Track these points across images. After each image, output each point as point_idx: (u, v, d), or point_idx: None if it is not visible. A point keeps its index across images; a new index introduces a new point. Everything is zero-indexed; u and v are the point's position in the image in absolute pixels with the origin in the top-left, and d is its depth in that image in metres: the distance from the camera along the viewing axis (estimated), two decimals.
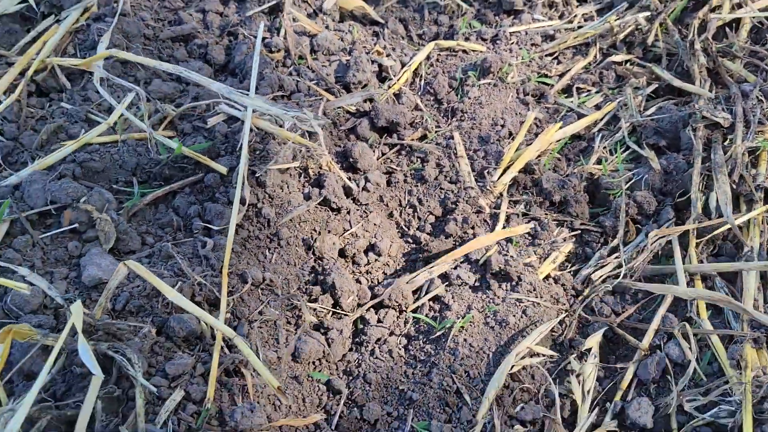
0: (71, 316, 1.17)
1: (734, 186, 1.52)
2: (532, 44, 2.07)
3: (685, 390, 1.29)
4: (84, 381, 1.19)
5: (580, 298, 1.48)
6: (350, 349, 1.44)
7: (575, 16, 2.13)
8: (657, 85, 1.89)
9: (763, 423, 1.19)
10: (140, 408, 1.13)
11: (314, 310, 1.45)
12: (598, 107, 1.87)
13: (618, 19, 2.05)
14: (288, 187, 1.58)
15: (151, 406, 1.17)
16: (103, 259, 1.40)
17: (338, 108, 1.83)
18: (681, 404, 1.26)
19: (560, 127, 1.75)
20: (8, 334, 1.14)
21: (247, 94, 1.62)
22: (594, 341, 1.38)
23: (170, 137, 1.65)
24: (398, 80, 1.90)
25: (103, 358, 1.22)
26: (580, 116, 1.83)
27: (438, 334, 1.41)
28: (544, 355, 1.35)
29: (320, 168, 1.63)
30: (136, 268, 1.30)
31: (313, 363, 1.40)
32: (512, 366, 1.30)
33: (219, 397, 1.24)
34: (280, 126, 1.59)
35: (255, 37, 1.88)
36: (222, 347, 1.29)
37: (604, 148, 1.74)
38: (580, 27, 2.10)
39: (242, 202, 1.50)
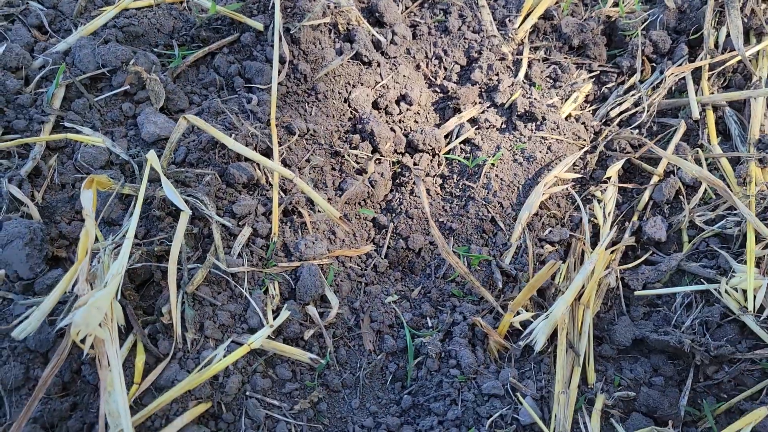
0: (147, 164, 1.29)
1: (746, 20, 1.60)
2: None
3: (696, 208, 1.44)
4: (162, 222, 1.34)
5: (600, 134, 1.60)
6: (391, 191, 1.58)
7: None
8: None
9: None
10: (218, 241, 1.28)
11: (356, 156, 1.57)
12: None
13: None
14: (320, 43, 1.65)
15: (225, 242, 1.32)
16: (157, 117, 1.50)
17: None
18: (692, 220, 1.42)
19: None
20: (92, 183, 1.27)
21: None
22: (614, 171, 1.52)
23: None
24: None
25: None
26: None
27: (471, 171, 1.54)
28: (570, 182, 1.49)
29: (348, 24, 1.69)
30: (196, 121, 1.40)
31: (359, 203, 1.54)
32: (542, 194, 1.45)
33: (282, 232, 1.39)
34: None
35: None
36: (278, 192, 1.42)
37: None
38: None
39: (281, 60, 1.58)
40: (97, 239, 1.21)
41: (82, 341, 1.00)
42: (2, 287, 1.26)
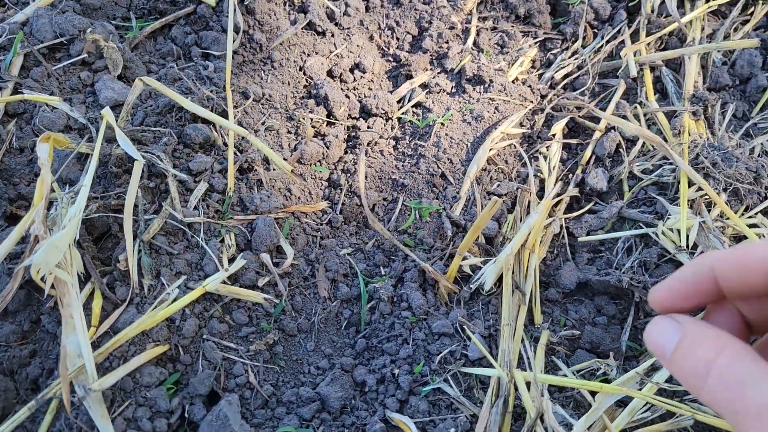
0: (103, 120, 1.32)
1: None
2: None
3: (635, 159, 1.52)
4: (119, 179, 1.37)
5: (546, 96, 1.67)
6: (345, 152, 1.63)
7: None
8: None
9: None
10: (174, 193, 1.32)
11: (311, 120, 1.62)
12: None
13: None
14: (275, 14, 1.71)
15: (181, 197, 1.36)
16: (115, 84, 1.54)
17: None
18: (632, 170, 1.50)
19: None
20: (49, 139, 1.30)
21: None
22: (558, 128, 1.59)
23: None
24: None
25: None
26: None
27: (422, 132, 1.60)
28: (518, 138, 1.56)
29: None
30: (152, 83, 1.44)
31: (314, 164, 1.59)
32: (490, 150, 1.51)
33: (238, 189, 1.43)
34: None
35: None
36: (234, 151, 1.47)
37: None
38: None
39: (236, 30, 1.63)
40: (53, 192, 1.24)
41: (42, 280, 1.03)
42: None
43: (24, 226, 1.11)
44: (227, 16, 1.65)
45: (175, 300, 1.20)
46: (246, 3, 1.65)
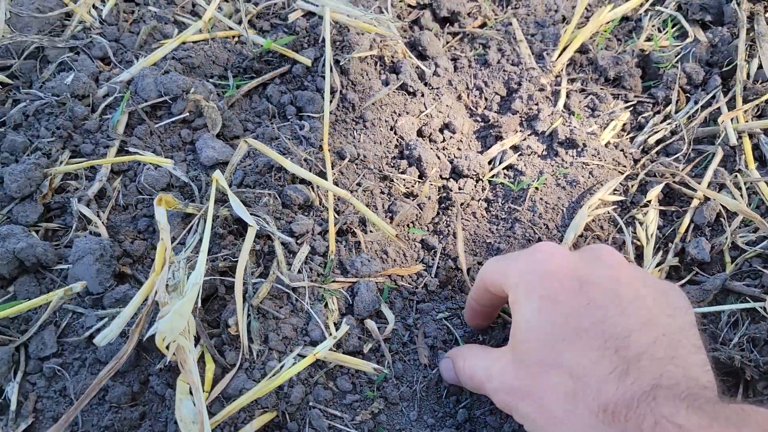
0: (213, 182, 1.35)
1: None
2: None
3: (737, 230, 1.49)
4: (224, 240, 1.39)
5: (639, 161, 1.66)
6: (438, 213, 1.63)
7: None
8: None
9: None
10: (281, 257, 1.33)
11: (403, 180, 1.63)
12: None
13: None
14: (368, 74, 1.73)
15: (285, 259, 1.37)
16: (215, 142, 1.57)
17: (400, 1, 1.96)
18: (734, 241, 1.47)
19: (611, 9, 1.88)
20: (162, 201, 1.33)
21: None
22: (654, 194, 1.57)
23: (252, 34, 1.78)
24: None
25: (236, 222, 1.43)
26: None
27: (515, 195, 1.60)
28: (613, 204, 1.55)
29: (394, 56, 1.77)
30: (256, 144, 1.47)
31: (408, 225, 1.59)
32: (587, 216, 1.50)
33: (338, 251, 1.44)
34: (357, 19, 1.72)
35: None
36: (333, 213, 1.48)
37: (653, 26, 1.88)
38: None
39: (330, 90, 1.66)
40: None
41: (167, 348, 1.05)
42: (72, 301, 1.31)
43: (146, 293, 1.13)
44: (322, 76, 1.68)
45: (283, 366, 1.20)
46: (341, 63, 1.68)
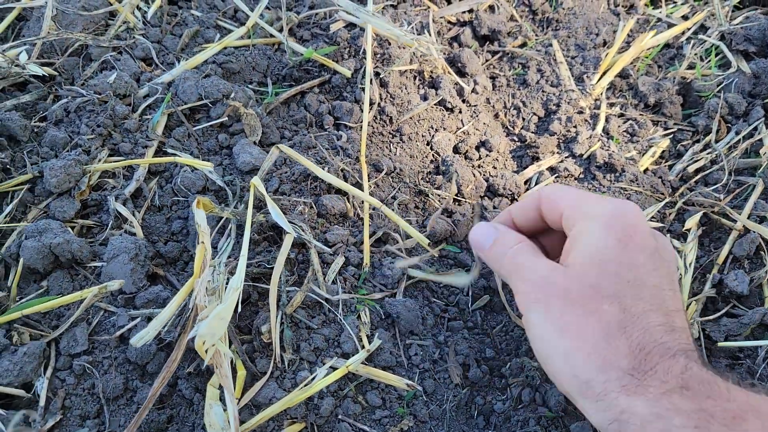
0: (251, 188, 1.34)
1: None
2: None
3: None
4: (258, 246, 1.38)
5: (677, 189, 1.63)
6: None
7: None
8: None
9: None
10: (317, 266, 1.32)
11: (438, 196, 1.62)
12: (685, 17, 1.98)
13: None
14: (407, 88, 1.73)
15: (320, 268, 1.36)
16: (252, 148, 1.57)
17: (441, 17, 1.96)
18: None
19: (653, 35, 1.87)
20: (200, 204, 1.32)
21: (363, 8, 1.75)
22: (692, 222, 1.55)
23: (292, 42, 1.79)
24: None
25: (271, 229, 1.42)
26: (670, 25, 1.95)
27: None
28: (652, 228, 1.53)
29: (433, 71, 1.77)
30: (288, 152, 1.47)
31: (442, 241, 1.58)
32: None
33: (372, 263, 1.43)
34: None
35: None
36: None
37: (695, 54, 1.87)
38: None
39: (369, 102, 1.65)
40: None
41: (206, 352, 1.03)
42: (104, 300, 1.31)
43: (184, 296, 1.12)
44: (362, 88, 1.68)
45: (314, 377, 1.19)
46: (381, 76, 1.68)
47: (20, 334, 1.21)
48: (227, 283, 1.11)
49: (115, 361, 1.24)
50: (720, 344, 1.38)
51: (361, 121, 1.65)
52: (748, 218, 1.54)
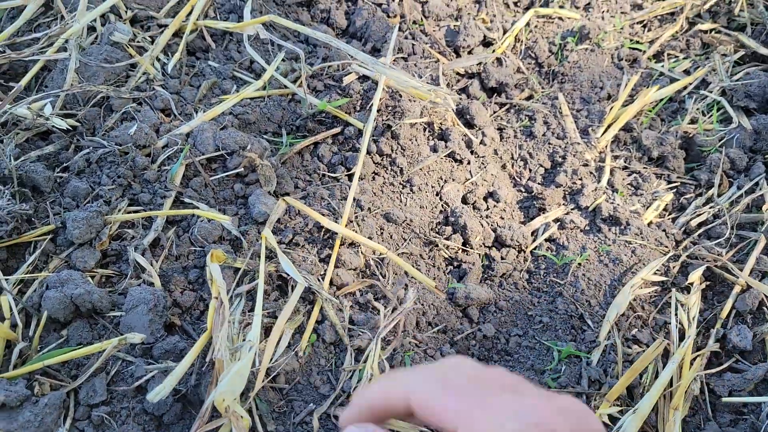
0: (263, 241, 1.39)
1: None
2: (622, 12, 2.24)
3: None
4: (269, 296, 1.42)
5: (681, 243, 1.67)
6: (480, 282, 1.65)
7: None
8: (743, 53, 2.05)
9: None
10: (333, 318, 1.36)
11: (447, 247, 1.66)
12: (687, 72, 2.04)
13: None
14: (417, 140, 1.78)
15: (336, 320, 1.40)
16: (267, 198, 1.61)
17: (449, 70, 2.02)
18: None
19: (657, 89, 1.93)
20: (213, 257, 1.37)
21: (378, 61, 1.81)
22: (696, 276, 1.58)
23: (307, 94, 1.84)
24: (502, 44, 2.08)
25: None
26: (672, 80, 2.01)
27: (557, 269, 1.62)
28: (654, 284, 1.56)
29: (442, 123, 1.82)
30: (295, 203, 1.52)
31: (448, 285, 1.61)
32: (630, 295, 1.51)
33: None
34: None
35: (374, 3, 2.07)
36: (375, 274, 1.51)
37: (697, 109, 1.92)
38: None
39: (380, 153, 1.71)
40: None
41: (225, 410, 1.07)
42: (122, 350, 1.34)
43: (198, 351, 1.16)
44: (374, 140, 1.73)
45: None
46: (393, 128, 1.73)
47: (41, 384, 1.24)
48: (243, 339, 1.15)
49: (132, 412, 1.27)
50: (724, 399, 1.41)
51: (374, 173, 1.70)
52: (750, 274, 1.57)
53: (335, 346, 1.40)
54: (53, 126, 1.60)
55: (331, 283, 1.47)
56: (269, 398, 1.27)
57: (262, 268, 1.32)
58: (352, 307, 1.46)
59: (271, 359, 1.25)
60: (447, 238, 1.67)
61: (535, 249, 1.69)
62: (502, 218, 1.77)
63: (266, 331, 1.37)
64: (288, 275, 1.38)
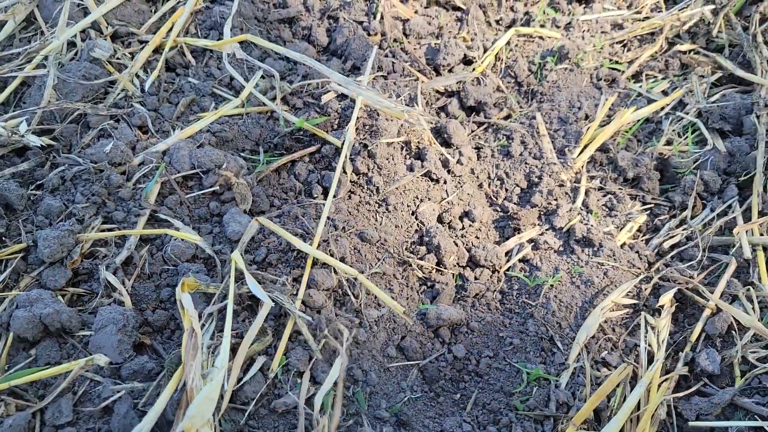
0: (232, 263, 1.39)
1: None
2: (602, 32, 2.26)
3: (748, 344, 1.50)
4: (239, 317, 1.43)
5: (653, 265, 1.68)
6: (453, 301, 1.66)
7: (643, 6, 2.30)
8: (720, 74, 2.07)
9: None
10: (305, 332, 1.36)
11: (420, 267, 1.67)
12: (665, 93, 2.06)
13: (683, 10, 2.23)
14: (393, 158, 1.79)
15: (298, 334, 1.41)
16: (242, 217, 1.62)
17: (429, 88, 2.03)
18: (745, 355, 1.48)
19: (634, 110, 1.94)
20: (185, 286, 1.37)
21: (354, 80, 1.82)
22: (666, 299, 1.59)
23: (284, 112, 1.85)
24: (482, 63, 2.10)
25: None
26: (650, 101, 2.02)
27: (530, 290, 1.63)
28: (626, 306, 1.57)
29: (419, 143, 1.83)
30: (267, 224, 1.52)
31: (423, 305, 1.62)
32: (600, 318, 1.52)
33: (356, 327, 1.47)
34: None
35: (355, 21, 2.09)
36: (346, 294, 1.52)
37: (673, 131, 1.94)
38: (647, 18, 2.26)
39: (356, 172, 1.71)
40: None
41: None
42: (90, 370, 1.34)
43: (177, 382, 1.16)
44: (351, 159, 1.74)
45: None
46: (369, 148, 1.74)
47: (6, 405, 1.24)
48: (212, 364, 1.15)
49: None
50: (691, 424, 1.42)
51: (351, 192, 1.71)
52: (721, 297, 1.58)
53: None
54: (29, 142, 1.61)
55: (303, 303, 1.47)
56: (234, 419, 1.28)
57: (231, 292, 1.33)
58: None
59: (236, 383, 1.25)
60: (421, 258, 1.68)
61: (508, 270, 1.70)
62: (477, 238, 1.77)
63: (234, 351, 1.38)
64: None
